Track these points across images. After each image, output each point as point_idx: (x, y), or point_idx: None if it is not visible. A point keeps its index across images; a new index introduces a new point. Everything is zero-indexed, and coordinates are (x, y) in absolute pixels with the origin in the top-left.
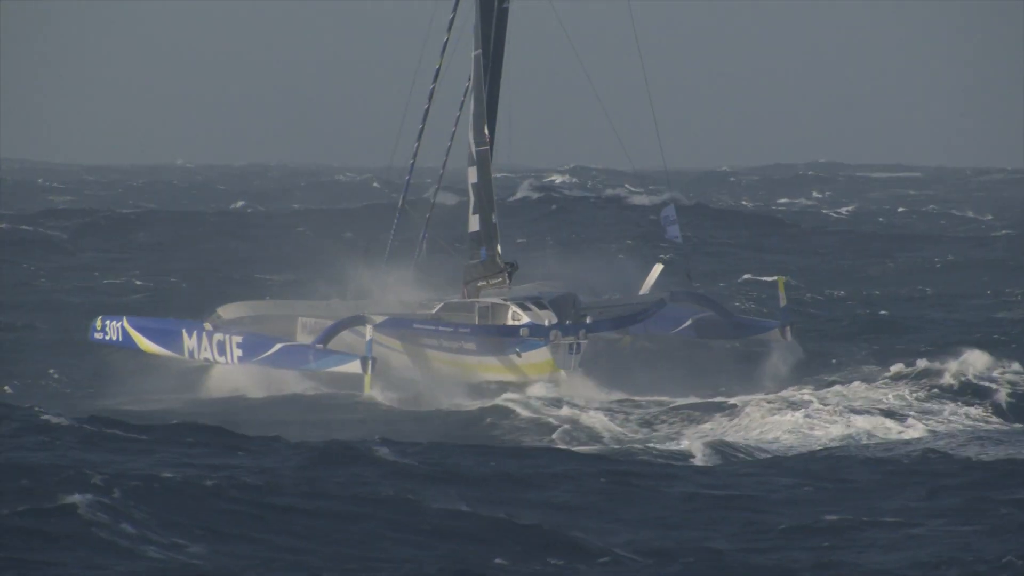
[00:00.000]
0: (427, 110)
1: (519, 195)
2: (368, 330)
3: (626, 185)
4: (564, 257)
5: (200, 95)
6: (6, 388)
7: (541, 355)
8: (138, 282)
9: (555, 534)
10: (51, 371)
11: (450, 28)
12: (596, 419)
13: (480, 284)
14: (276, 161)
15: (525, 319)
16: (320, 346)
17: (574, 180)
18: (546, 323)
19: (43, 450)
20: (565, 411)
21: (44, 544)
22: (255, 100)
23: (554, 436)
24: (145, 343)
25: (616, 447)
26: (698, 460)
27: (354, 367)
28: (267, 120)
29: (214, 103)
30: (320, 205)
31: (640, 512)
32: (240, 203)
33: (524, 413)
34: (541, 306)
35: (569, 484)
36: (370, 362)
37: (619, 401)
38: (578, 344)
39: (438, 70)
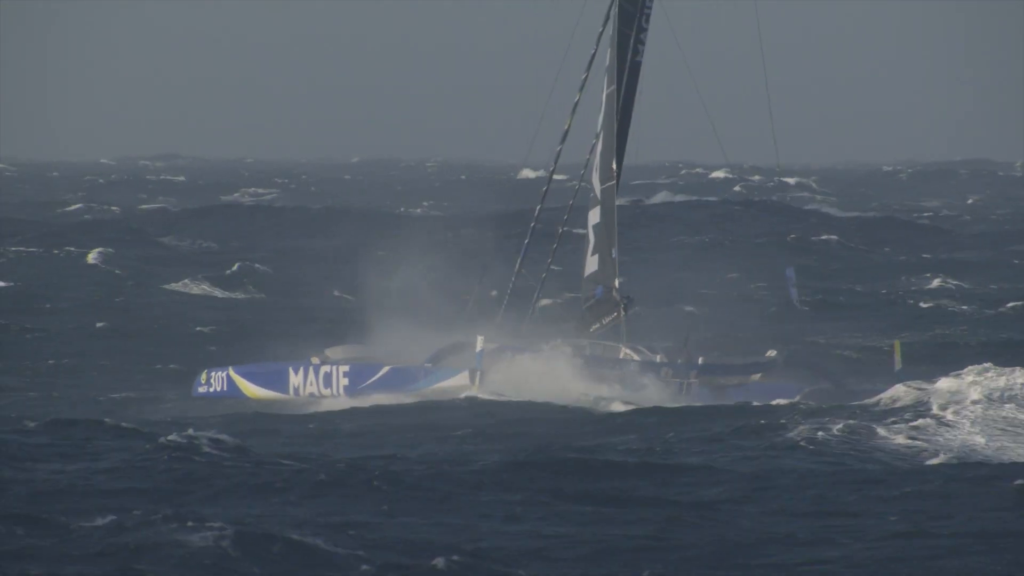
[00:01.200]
0: (567, 131)
1: (658, 199)
2: (479, 341)
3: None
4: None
5: (371, 90)
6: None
7: None
8: (336, 292)
9: None
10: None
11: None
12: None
13: (593, 327)
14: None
15: (636, 359)
16: (429, 365)
17: (730, 176)
18: (657, 359)
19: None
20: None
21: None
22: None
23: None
24: (251, 389)
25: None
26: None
27: (463, 379)
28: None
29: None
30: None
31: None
32: (425, 203)
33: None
34: (653, 349)
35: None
36: (479, 373)
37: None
38: (689, 384)
39: (584, 80)
